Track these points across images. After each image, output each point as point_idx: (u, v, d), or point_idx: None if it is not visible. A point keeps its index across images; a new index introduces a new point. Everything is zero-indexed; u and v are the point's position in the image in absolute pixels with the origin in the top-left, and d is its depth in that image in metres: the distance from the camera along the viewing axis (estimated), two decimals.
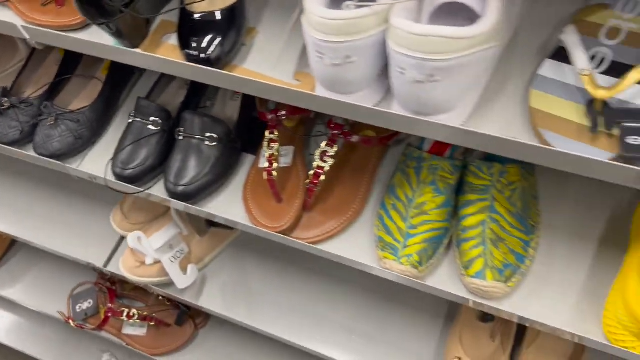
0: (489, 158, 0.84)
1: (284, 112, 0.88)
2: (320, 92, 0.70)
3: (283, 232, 0.88)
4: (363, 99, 0.68)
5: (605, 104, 0.59)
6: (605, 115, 0.59)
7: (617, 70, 0.62)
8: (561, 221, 0.85)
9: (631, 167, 0.55)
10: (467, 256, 0.78)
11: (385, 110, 0.65)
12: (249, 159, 0.99)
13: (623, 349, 0.71)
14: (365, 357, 1.07)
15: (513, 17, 0.67)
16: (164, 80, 1.08)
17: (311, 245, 0.88)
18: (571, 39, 0.63)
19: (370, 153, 0.95)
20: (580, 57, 0.61)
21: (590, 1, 0.69)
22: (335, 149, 0.85)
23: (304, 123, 1.00)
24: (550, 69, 0.65)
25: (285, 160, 0.95)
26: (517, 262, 0.78)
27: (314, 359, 1.16)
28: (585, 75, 0.60)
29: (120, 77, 1.10)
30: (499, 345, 0.99)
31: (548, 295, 0.79)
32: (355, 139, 0.86)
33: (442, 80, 0.59)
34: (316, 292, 1.16)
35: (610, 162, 0.56)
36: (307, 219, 0.90)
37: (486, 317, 1.02)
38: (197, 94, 1.04)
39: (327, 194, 0.92)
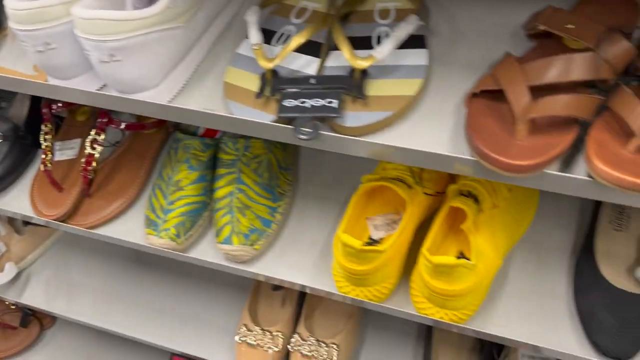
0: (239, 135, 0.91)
1: (58, 105, 0.93)
2: (52, 80, 0.75)
3: (60, 219, 0.93)
4: (83, 84, 0.73)
5: (275, 73, 0.67)
6: (274, 83, 0.67)
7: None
8: (314, 188, 0.94)
9: (284, 125, 0.63)
10: (218, 224, 0.85)
11: (94, 91, 0.71)
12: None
13: (344, 294, 0.80)
14: (173, 334, 1.13)
15: (213, 3, 0.74)
16: None
17: (88, 230, 0.92)
18: (249, 19, 0.71)
19: (152, 140, 1.01)
20: (253, 34, 0.69)
21: None
22: (103, 136, 0.91)
23: (95, 116, 1.04)
24: (245, 47, 0.73)
25: (73, 152, 1.00)
26: (263, 227, 0.86)
27: (155, 350, 1.20)
28: (255, 49, 0.68)
29: None
30: (288, 311, 1.06)
31: (294, 256, 0.87)
32: (121, 125, 0.92)
33: (124, 59, 0.65)
34: (135, 280, 1.21)
35: (269, 123, 0.64)
36: (88, 205, 0.95)
37: (276, 285, 1.09)
38: None
39: (108, 180, 0.97)
